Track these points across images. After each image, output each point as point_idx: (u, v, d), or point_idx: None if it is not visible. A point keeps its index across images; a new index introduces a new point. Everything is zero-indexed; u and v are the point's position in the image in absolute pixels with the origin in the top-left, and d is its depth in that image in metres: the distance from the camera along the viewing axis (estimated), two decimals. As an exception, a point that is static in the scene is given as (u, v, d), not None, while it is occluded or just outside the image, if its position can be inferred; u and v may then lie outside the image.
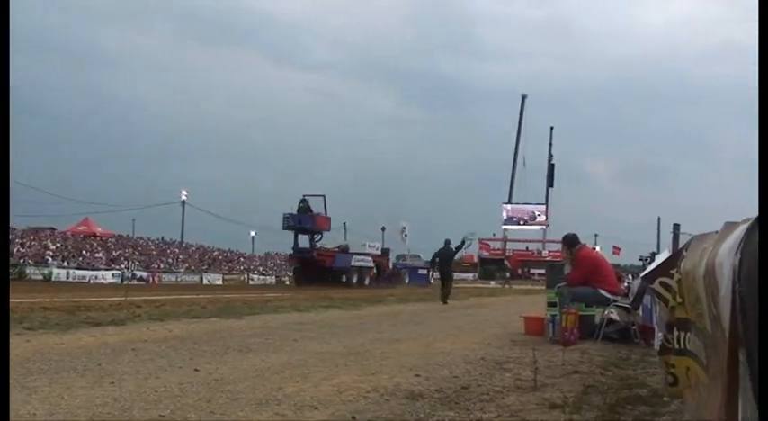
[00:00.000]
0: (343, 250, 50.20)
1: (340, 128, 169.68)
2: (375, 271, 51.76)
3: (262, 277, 67.32)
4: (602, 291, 10.19)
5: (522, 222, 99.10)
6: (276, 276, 69.68)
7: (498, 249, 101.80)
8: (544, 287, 13.75)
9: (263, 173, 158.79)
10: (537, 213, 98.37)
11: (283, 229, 49.83)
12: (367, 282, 48.52)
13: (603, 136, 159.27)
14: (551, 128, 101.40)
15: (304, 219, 48.30)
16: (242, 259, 78.03)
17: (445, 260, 24.91)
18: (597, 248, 56.07)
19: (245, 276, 64.87)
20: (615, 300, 10.38)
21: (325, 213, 50.70)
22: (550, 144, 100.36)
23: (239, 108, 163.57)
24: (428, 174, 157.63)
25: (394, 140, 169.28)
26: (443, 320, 14.58)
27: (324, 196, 51.12)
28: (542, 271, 43.25)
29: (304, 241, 47.94)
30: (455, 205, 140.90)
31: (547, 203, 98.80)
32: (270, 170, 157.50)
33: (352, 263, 48.77)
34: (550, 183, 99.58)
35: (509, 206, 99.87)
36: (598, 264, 10.75)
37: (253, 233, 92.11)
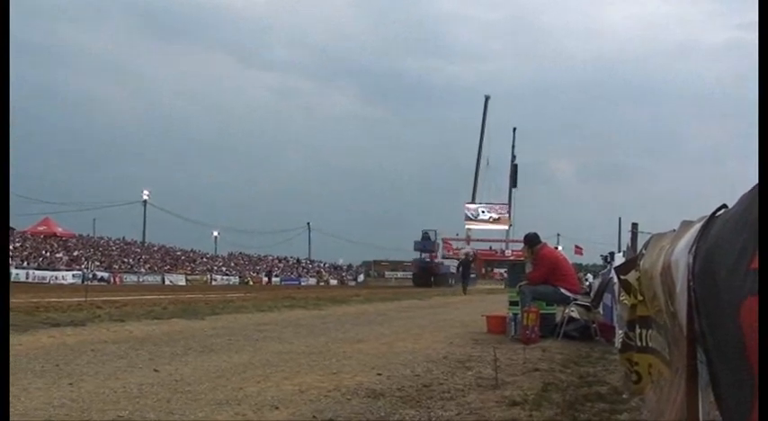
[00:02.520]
0: (441, 262, 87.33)
1: (302, 126, 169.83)
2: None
3: (225, 277, 67.04)
4: (563, 290, 10.25)
5: (484, 213, 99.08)
6: (240, 276, 69.39)
7: (461, 248, 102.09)
8: (506, 286, 13.83)
9: (226, 172, 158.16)
10: (499, 213, 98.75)
11: (414, 250, 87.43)
12: (453, 282, 70.34)
13: (568, 135, 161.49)
14: (514, 129, 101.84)
15: (427, 244, 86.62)
16: (205, 259, 77.45)
17: (466, 266, 45.48)
18: (559, 248, 56.71)
19: (208, 276, 64.50)
20: (575, 299, 10.46)
21: (436, 240, 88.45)
22: (513, 145, 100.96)
23: (201, 107, 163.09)
24: (392, 171, 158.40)
25: (357, 139, 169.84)
26: (406, 320, 14.59)
27: (436, 231, 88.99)
28: (505, 270, 47.62)
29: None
30: (420, 203, 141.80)
31: (510, 204, 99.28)
32: (232, 169, 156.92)
33: (449, 270, 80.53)
34: (514, 184, 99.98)
35: (472, 205, 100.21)
36: (558, 263, 10.80)
37: (216, 233, 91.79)
